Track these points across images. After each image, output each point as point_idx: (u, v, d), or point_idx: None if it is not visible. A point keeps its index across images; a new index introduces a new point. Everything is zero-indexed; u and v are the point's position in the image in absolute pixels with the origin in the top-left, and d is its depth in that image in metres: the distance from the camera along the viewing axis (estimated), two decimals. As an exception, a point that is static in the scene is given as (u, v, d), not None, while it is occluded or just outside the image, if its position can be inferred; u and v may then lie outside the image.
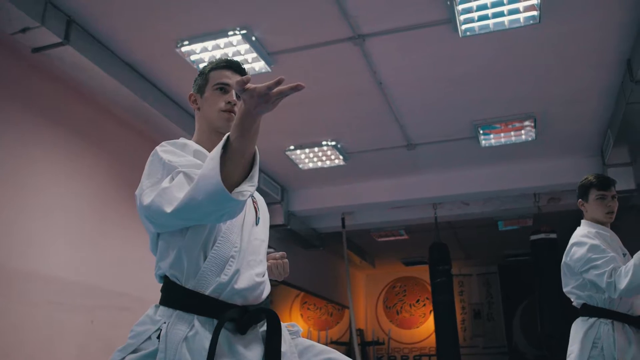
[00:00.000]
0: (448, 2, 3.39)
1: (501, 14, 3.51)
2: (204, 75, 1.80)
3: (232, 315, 1.47)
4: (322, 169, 5.96)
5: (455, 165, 6.01)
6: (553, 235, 6.19)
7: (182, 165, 1.50)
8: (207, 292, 1.48)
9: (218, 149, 1.39)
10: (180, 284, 1.50)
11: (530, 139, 5.26)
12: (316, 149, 5.51)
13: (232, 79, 1.74)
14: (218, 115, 1.72)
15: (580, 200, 2.93)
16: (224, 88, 1.74)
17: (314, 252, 8.27)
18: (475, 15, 3.51)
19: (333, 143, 5.37)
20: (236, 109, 1.68)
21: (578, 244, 2.76)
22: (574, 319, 2.81)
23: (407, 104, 4.68)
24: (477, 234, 8.64)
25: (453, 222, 7.73)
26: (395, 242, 9.07)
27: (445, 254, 6.62)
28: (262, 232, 1.74)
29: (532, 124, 4.98)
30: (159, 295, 1.55)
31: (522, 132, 5.17)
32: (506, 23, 3.58)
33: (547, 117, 4.90)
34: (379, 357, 11.24)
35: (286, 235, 7.07)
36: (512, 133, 5.20)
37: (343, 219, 7.02)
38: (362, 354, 10.58)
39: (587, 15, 3.57)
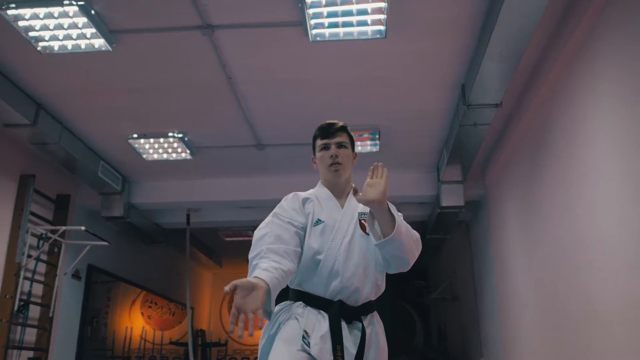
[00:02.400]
0: (299, 5, 3.38)
1: (350, 24, 3.57)
2: None
3: None
4: (167, 161, 5.69)
5: (305, 169, 6.04)
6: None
7: None
8: None
9: None
10: None
11: (374, 150, 5.46)
12: (162, 140, 5.24)
13: None
14: None
15: (313, 157, 2.34)
16: None
17: (157, 248, 7.91)
18: (326, 21, 3.54)
19: (180, 135, 5.15)
20: None
21: None
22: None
23: (256, 102, 4.62)
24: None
25: (300, 226, 7.81)
26: (243, 242, 8.98)
27: (288, 257, 6.64)
28: None
29: (377, 136, 5.18)
30: None
31: (368, 142, 5.35)
32: (355, 34, 3.66)
33: (391, 131, 5.12)
34: (220, 358, 11.05)
35: (125, 229, 6.66)
36: (359, 143, 5.36)
37: (188, 216, 6.78)
38: (203, 356, 10.32)
39: (428, 38, 3.77)
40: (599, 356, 3.29)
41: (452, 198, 5.90)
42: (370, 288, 2.11)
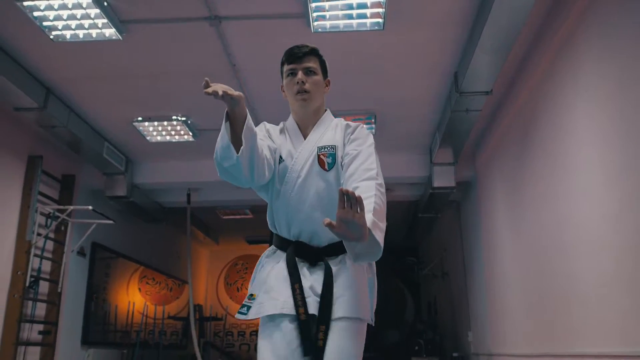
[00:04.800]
0: (303, -2, 3.58)
1: (350, 17, 3.77)
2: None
3: None
4: (170, 143, 5.89)
5: (302, 151, 6.29)
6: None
7: None
8: None
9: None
10: None
11: (372, 134, 5.66)
12: (165, 123, 5.44)
13: None
14: None
15: (281, 85, 2.12)
16: None
17: (156, 226, 8.14)
18: (328, 14, 3.73)
19: (183, 119, 5.34)
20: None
21: None
22: None
23: (258, 88, 4.82)
24: (319, 217, 9.10)
25: (297, 205, 8.08)
26: (240, 221, 9.24)
27: (286, 235, 6.91)
28: None
29: (373, 120, 5.40)
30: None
31: (364, 126, 5.56)
32: (354, 25, 3.86)
33: (386, 115, 5.34)
34: (217, 332, 11.37)
35: (127, 208, 6.87)
36: (355, 126, 5.58)
37: (189, 195, 6.99)
38: (200, 330, 10.63)
39: (424, 30, 3.98)
40: (576, 329, 3.58)
41: (443, 179, 6.15)
42: None
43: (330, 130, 2.04)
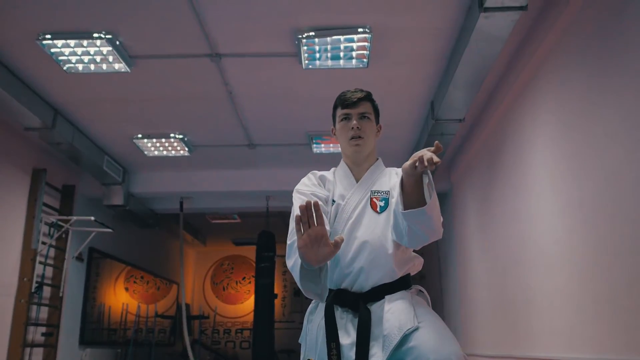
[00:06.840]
0: (296, 41, 4.00)
1: (338, 57, 4.21)
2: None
3: None
4: (166, 157, 6.27)
5: (290, 165, 6.72)
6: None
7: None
8: None
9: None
10: None
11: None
12: (163, 140, 5.81)
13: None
14: None
15: (332, 128, 2.19)
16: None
17: (148, 230, 8.51)
18: (318, 54, 4.16)
19: (181, 136, 5.73)
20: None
21: None
22: None
23: (252, 112, 5.24)
24: (303, 222, 9.55)
25: (283, 212, 8.52)
26: (228, 224, 9.66)
27: (272, 242, 7.35)
28: None
29: (357, 140, 5.85)
30: None
31: (348, 144, 6.01)
32: (341, 63, 4.30)
33: (369, 135, 5.79)
34: (203, 330, 11.77)
35: (122, 214, 7.24)
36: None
37: (181, 203, 7.37)
38: (187, 328, 11.02)
39: (404, 67, 4.43)
40: (534, 333, 4.08)
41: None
42: (382, 272, 1.90)
43: (384, 176, 2.08)
